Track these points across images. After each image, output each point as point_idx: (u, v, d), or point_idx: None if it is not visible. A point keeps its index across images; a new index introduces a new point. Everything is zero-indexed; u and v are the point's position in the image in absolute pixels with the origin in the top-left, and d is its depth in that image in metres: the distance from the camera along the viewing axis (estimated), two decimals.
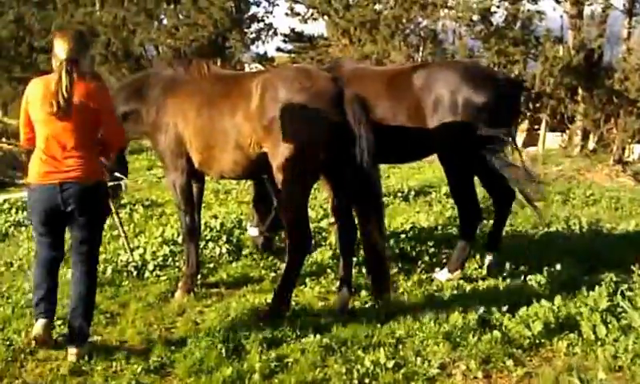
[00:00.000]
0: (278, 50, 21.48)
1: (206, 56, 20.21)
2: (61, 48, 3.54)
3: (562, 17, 14.68)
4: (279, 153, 4.14)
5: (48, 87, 3.52)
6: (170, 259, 5.61)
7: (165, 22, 21.45)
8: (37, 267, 3.83)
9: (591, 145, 14.13)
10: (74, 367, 3.63)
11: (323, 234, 6.41)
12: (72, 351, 3.74)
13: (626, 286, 4.39)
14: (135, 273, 5.25)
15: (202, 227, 6.16)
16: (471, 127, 4.78)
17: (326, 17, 18.14)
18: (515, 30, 14.59)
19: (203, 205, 8.06)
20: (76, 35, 3.76)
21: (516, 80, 5.42)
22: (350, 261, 4.53)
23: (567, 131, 14.81)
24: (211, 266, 5.54)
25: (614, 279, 4.49)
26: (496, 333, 3.90)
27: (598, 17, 13.89)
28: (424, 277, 5.10)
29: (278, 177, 4.22)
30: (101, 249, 5.72)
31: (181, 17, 20.36)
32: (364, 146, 4.06)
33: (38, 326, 3.67)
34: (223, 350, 3.74)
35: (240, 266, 5.52)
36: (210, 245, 5.92)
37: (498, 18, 15.11)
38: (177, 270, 5.37)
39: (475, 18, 14.73)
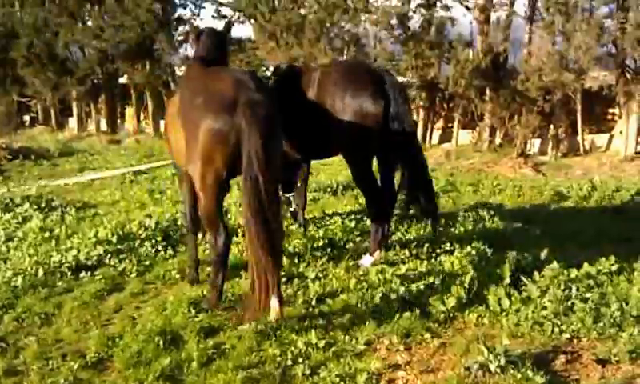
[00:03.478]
0: None
1: (134, 58, 19.83)
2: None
3: (471, 23, 15.68)
4: (186, 153, 4.22)
5: None
6: (107, 258, 5.64)
7: (89, 23, 20.75)
8: None
9: (498, 140, 15.21)
10: (8, 367, 3.66)
11: None
12: None
13: (525, 262, 4.90)
14: (69, 273, 5.26)
15: (137, 227, 6.24)
16: (361, 126, 5.04)
17: (252, 20, 18.19)
18: (430, 35, 15.34)
19: (137, 204, 8.08)
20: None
21: (397, 81, 5.61)
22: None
23: (477, 128, 15.82)
24: (147, 263, 5.61)
25: (516, 257, 4.95)
26: (415, 309, 4.27)
27: (502, 23, 14.90)
28: (351, 263, 5.40)
29: (192, 176, 4.29)
30: (31, 251, 5.72)
31: (106, 18, 19.76)
32: (253, 148, 3.88)
33: None
34: (161, 342, 3.84)
35: (176, 263, 5.61)
36: (147, 243, 5.99)
37: (415, 23, 15.84)
38: (112, 268, 5.42)
39: (394, 22, 15.34)
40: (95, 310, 4.60)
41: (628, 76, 14.07)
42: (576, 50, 13.51)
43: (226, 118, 3.96)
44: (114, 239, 5.96)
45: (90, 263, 5.50)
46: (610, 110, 16.13)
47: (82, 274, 5.28)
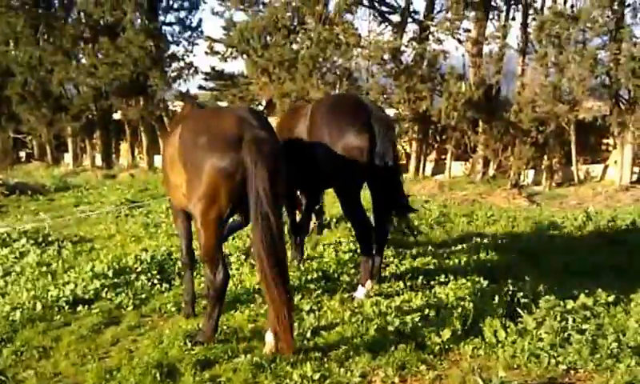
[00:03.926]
0: (200, 87, 21.56)
1: (128, 94, 20.06)
2: None
3: (463, 56, 15.95)
4: (187, 191, 4.22)
5: None
6: (103, 292, 5.64)
7: (83, 60, 21.05)
8: None
9: (491, 171, 15.34)
10: None
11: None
12: None
13: (521, 294, 4.91)
14: (67, 307, 5.28)
15: (133, 261, 6.27)
16: (347, 159, 5.16)
17: (245, 55, 18.41)
18: (423, 68, 15.57)
19: (133, 238, 8.16)
20: None
21: (386, 117, 5.75)
22: None
23: (470, 160, 15.96)
24: (143, 296, 5.61)
25: (512, 289, 4.98)
26: (410, 341, 4.28)
27: (495, 55, 15.14)
28: (346, 296, 5.43)
29: (192, 213, 4.29)
30: (29, 285, 5.77)
31: (100, 56, 20.04)
32: (261, 185, 3.89)
33: None
34: (158, 374, 3.85)
35: (172, 296, 5.62)
36: (143, 277, 6.01)
37: (407, 57, 16.09)
38: (108, 302, 5.43)
39: (386, 56, 15.58)
40: (92, 343, 4.60)
41: (622, 106, 14.28)
42: (569, 81, 13.69)
43: (232, 155, 3.98)
44: (111, 273, 6.00)
45: (87, 297, 5.51)
46: (605, 141, 16.31)
47: (80, 308, 5.29)
